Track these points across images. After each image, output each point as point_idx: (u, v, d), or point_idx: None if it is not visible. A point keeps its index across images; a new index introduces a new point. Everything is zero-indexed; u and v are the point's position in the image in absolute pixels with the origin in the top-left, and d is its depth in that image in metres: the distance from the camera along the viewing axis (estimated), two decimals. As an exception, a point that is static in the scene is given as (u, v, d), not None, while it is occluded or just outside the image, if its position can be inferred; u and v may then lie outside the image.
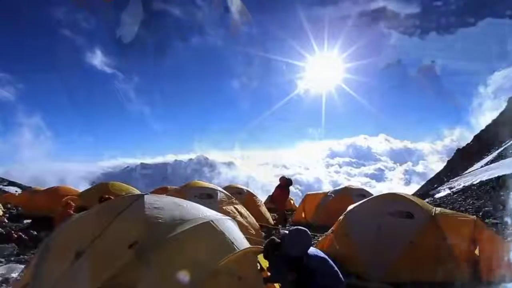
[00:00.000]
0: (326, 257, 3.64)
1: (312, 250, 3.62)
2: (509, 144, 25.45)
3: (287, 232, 3.77)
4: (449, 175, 26.50)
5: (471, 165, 24.58)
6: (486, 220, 7.45)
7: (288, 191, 9.06)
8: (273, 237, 4.00)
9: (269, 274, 3.74)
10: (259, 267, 3.64)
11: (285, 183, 9.05)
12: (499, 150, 24.37)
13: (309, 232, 3.66)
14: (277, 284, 3.76)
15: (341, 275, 3.58)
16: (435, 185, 20.48)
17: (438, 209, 5.45)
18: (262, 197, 13.03)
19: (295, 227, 3.83)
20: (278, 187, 9.15)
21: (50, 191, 12.27)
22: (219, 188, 8.75)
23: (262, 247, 3.74)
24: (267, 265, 3.80)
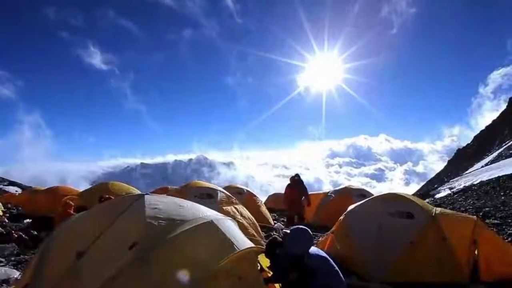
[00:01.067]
0: (327, 256, 3.65)
1: (313, 249, 3.62)
2: (509, 144, 25.46)
3: (288, 231, 3.78)
4: (449, 175, 26.53)
5: (471, 165, 24.62)
6: (487, 220, 7.44)
7: (297, 190, 8.72)
8: (275, 236, 4.00)
9: (269, 274, 3.74)
10: (259, 267, 3.64)
11: (293, 181, 8.85)
12: (499, 150, 24.40)
13: (310, 231, 3.67)
14: (278, 284, 3.76)
15: (341, 275, 3.58)
16: (436, 185, 20.50)
17: (439, 209, 5.43)
18: (261, 197, 13.03)
19: (296, 226, 3.84)
20: (287, 186, 8.94)
21: (50, 191, 12.27)
22: (220, 188, 8.74)
23: (263, 247, 3.74)
24: (268, 265, 3.80)
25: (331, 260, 3.64)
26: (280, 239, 3.79)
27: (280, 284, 3.73)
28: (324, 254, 3.66)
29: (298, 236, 3.59)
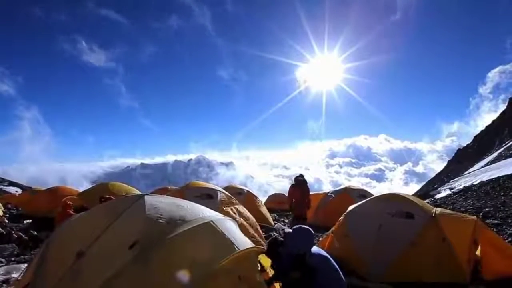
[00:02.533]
0: (328, 256, 3.66)
1: (314, 249, 3.64)
2: (509, 144, 25.47)
3: (290, 230, 3.79)
4: (449, 176, 26.53)
5: (472, 165, 24.61)
6: (487, 221, 7.44)
7: (301, 190, 8.57)
8: (276, 235, 4.00)
9: (270, 274, 3.74)
10: (259, 267, 3.64)
11: (297, 181, 8.72)
12: (499, 151, 24.40)
13: (312, 231, 3.68)
14: (278, 284, 3.76)
15: (342, 275, 3.59)
16: (436, 186, 20.50)
17: (439, 209, 5.43)
18: (261, 197, 13.05)
19: (299, 225, 3.85)
20: (291, 186, 8.80)
21: (50, 191, 12.29)
22: (219, 189, 8.74)
23: (263, 247, 3.74)
24: (268, 265, 3.80)
25: (332, 260, 3.65)
26: (281, 239, 3.79)
27: (281, 284, 3.73)
28: (325, 254, 3.67)
29: (300, 235, 3.61)
